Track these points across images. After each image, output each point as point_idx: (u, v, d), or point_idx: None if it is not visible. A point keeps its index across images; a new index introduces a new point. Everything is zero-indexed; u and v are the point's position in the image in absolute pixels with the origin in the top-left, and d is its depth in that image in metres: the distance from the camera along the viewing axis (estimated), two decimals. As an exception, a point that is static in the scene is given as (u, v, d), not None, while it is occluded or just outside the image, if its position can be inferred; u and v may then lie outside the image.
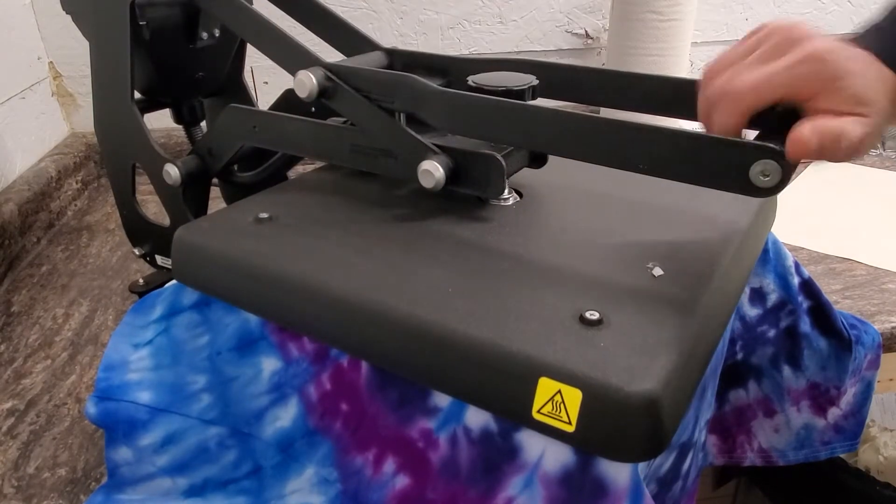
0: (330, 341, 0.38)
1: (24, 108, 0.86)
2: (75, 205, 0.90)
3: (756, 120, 0.34)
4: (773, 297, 0.52)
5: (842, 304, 0.62)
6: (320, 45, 0.53)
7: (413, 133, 0.43)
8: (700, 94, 0.37)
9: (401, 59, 0.53)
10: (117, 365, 0.43)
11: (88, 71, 0.54)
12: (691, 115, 0.43)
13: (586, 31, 1.03)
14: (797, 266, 0.52)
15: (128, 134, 0.54)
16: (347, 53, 0.55)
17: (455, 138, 0.45)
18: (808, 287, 0.53)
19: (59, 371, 0.56)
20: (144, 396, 0.42)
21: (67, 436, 0.49)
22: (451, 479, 0.35)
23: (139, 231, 0.59)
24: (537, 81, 0.44)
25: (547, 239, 0.41)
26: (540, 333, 0.32)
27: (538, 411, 0.31)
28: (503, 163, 0.41)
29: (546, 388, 0.30)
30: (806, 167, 0.93)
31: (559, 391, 0.30)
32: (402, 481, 0.37)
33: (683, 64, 0.93)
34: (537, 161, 0.47)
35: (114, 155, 0.57)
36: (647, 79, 0.44)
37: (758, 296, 0.51)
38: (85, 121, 0.99)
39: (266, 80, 0.99)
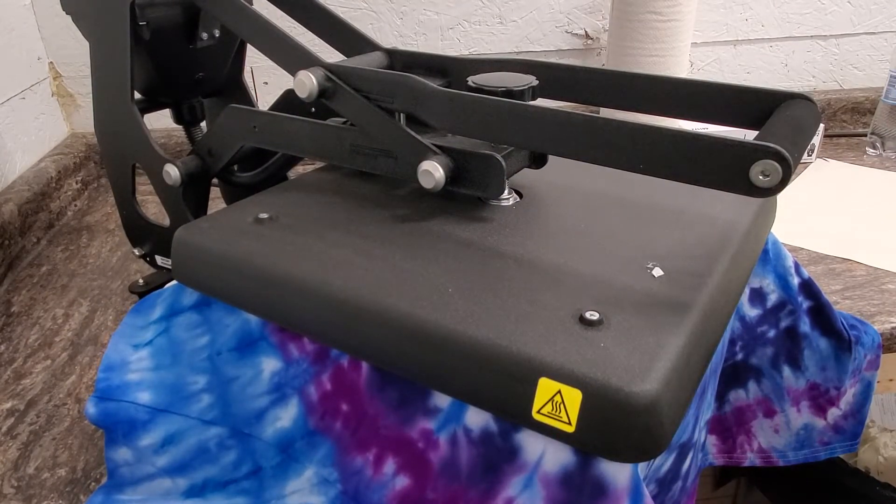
0: (330, 342, 0.38)
1: (24, 108, 0.87)
2: (75, 205, 0.90)
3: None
4: (773, 298, 0.52)
5: (841, 304, 0.62)
6: (320, 45, 0.53)
7: (413, 133, 0.43)
8: None
9: (401, 60, 0.53)
10: (117, 365, 0.43)
11: (88, 71, 0.54)
12: (691, 115, 0.43)
13: (586, 32, 1.03)
14: (797, 266, 0.52)
15: (128, 134, 0.54)
16: (347, 54, 0.55)
17: (455, 138, 0.45)
18: (808, 287, 0.53)
19: (59, 371, 0.56)
20: (144, 397, 0.42)
21: (67, 436, 0.49)
22: (451, 479, 0.35)
23: (139, 231, 0.59)
24: (537, 82, 0.44)
25: (547, 239, 0.41)
26: (540, 334, 0.32)
27: (538, 412, 0.31)
28: (503, 163, 0.41)
29: (546, 388, 0.30)
30: (806, 167, 0.93)
31: (559, 391, 0.30)
32: (403, 482, 0.37)
33: (683, 64, 0.93)
34: (537, 161, 0.47)
35: (114, 155, 0.57)
36: (647, 79, 0.44)
37: (758, 296, 0.51)
38: (85, 121, 0.99)
39: (266, 80, 0.99)
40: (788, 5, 1.05)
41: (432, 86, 0.41)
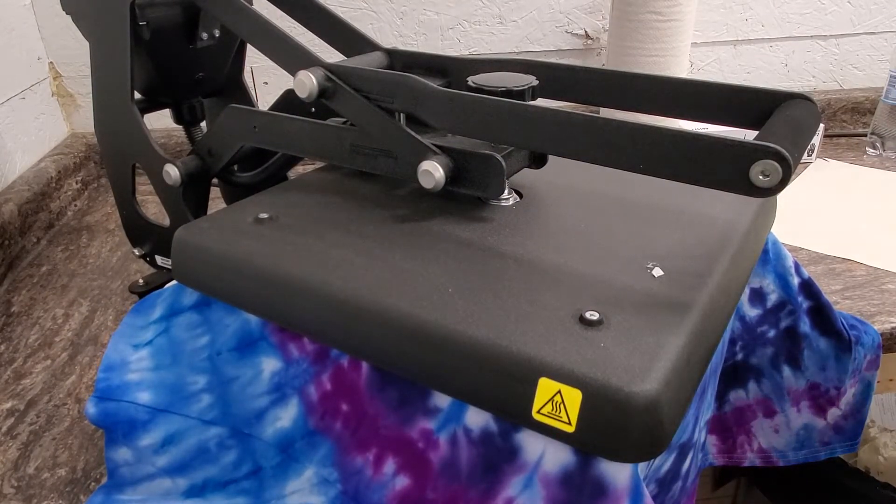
0: (330, 342, 0.38)
1: (24, 108, 0.87)
2: (75, 205, 0.90)
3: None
4: (772, 298, 0.52)
5: (841, 304, 0.62)
6: (320, 45, 0.53)
7: (413, 133, 0.43)
8: None
9: (401, 60, 0.53)
10: (117, 365, 0.43)
11: (88, 71, 0.54)
12: (691, 115, 0.43)
13: (586, 32, 1.03)
14: (797, 266, 0.52)
15: (128, 134, 0.54)
16: (347, 54, 0.55)
17: (455, 138, 0.45)
18: (808, 287, 0.53)
19: (59, 371, 0.56)
20: (144, 397, 0.42)
21: (67, 436, 0.49)
22: (451, 479, 0.35)
23: (139, 231, 0.59)
24: (537, 82, 0.44)
25: (547, 239, 0.41)
26: (540, 334, 0.32)
27: (538, 412, 0.31)
28: (503, 163, 0.41)
29: (546, 388, 0.30)
30: (806, 167, 0.93)
31: (559, 391, 0.30)
32: (403, 482, 0.37)
33: (683, 64, 0.93)
34: (537, 161, 0.47)
35: (114, 155, 0.57)
36: (647, 79, 0.44)
37: (758, 296, 0.51)
38: (85, 121, 0.99)
39: (266, 80, 0.99)
40: (788, 5, 1.05)
41: (432, 86, 0.41)
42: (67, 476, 0.46)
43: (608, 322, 0.33)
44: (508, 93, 0.42)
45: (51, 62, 0.95)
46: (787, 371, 0.54)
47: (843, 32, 1.08)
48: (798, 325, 0.52)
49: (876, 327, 0.58)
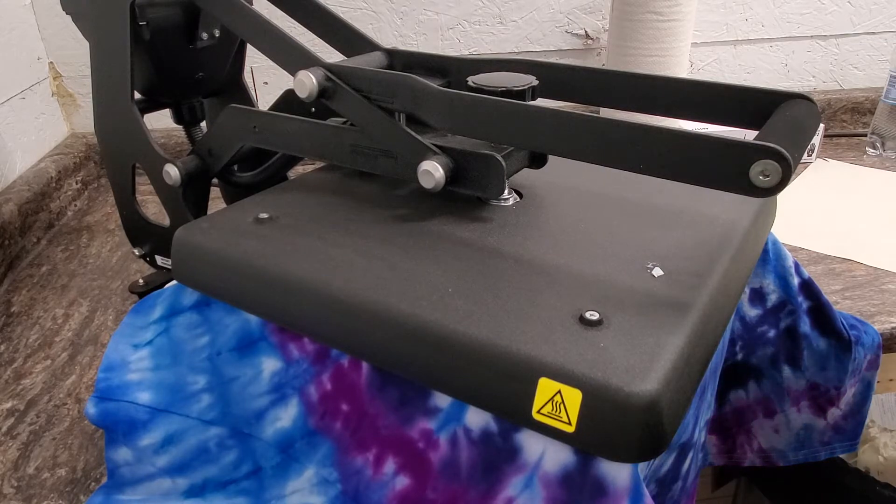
0: (330, 342, 0.38)
1: (24, 108, 0.87)
2: (75, 205, 0.90)
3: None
4: (773, 298, 0.52)
5: (842, 304, 0.62)
6: (320, 45, 0.53)
7: (413, 133, 0.43)
8: None
9: (401, 60, 0.53)
10: (117, 365, 0.43)
11: (88, 71, 0.54)
12: (691, 115, 0.43)
13: (586, 32, 1.03)
14: (797, 266, 0.52)
15: (128, 134, 0.54)
16: (347, 54, 0.55)
17: (455, 138, 0.45)
18: (808, 287, 0.53)
19: (59, 371, 0.56)
20: (144, 397, 0.42)
21: (67, 436, 0.49)
22: (451, 479, 0.35)
23: (139, 231, 0.59)
24: (537, 82, 0.44)
25: (547, 239, 0.41)
26: (540, 334, 0.32)
27: (538, 412, 0.31)
28: (503, 163, 0.41)
29: (546, 388, 0.30)
30: (806, 167, 0.93)
31: (559, 391, 0.30)
32: (403, 482, 0.37)
33: (683, 64, 0.93)
34: (537, 161, 0.47)
35: (114, 155, 0.57)
36: (647, 79, 0.44)
37: (758, 296, 0.51)
38: (85, 121, 0.99)
39: (266, 80, 0.99)
40: (788, 5, 1.05)
41: (432, 86, 0.41)
42: (67, 476, 0.46)
43: (608, 322, 0.33)
44: (508, 93, 0.42)
45: (51, 62, 0.95)
46: (787, 371, 0.54)
47: (843, 32, 1.08)
48: (798, 325, 0.53)
49: (876, 327, 0.58)
